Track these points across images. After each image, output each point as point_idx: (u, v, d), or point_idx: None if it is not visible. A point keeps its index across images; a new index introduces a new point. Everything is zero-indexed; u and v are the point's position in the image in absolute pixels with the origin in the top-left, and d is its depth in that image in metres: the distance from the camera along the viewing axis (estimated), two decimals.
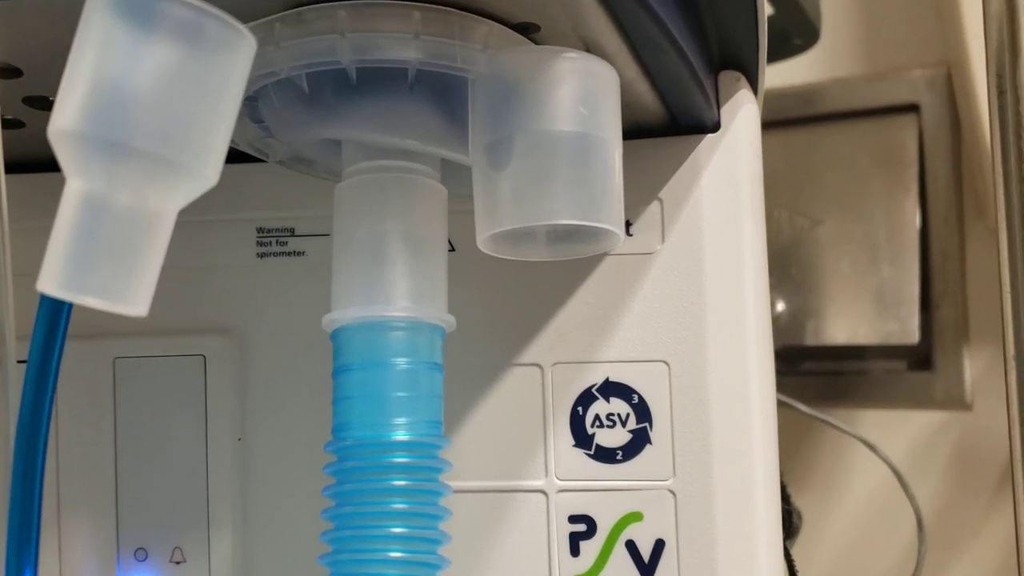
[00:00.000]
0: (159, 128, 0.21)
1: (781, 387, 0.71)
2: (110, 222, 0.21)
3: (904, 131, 0.78)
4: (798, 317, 0.80)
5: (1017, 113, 0.34)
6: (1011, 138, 0.34)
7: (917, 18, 0.80)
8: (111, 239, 0.21)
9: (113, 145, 0.21)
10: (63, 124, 0.21)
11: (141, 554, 0.39)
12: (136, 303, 0.22)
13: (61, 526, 0.39)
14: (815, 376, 0.81)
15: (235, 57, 0.22)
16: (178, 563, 0.39)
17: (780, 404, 0.69)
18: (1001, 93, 0.35)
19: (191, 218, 0.40)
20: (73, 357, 0.40)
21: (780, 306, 0.81)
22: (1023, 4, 0.35)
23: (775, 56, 0.77)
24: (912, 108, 0.78)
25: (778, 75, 0.80)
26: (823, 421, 0.72)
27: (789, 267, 0.81)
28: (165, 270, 0.40)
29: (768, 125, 0.81)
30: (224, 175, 0.39)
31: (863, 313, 0.78)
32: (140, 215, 0.21)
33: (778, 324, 0.80)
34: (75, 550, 0.39)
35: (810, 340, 0.79)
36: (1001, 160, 0.35)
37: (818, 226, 0.80)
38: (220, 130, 0.22)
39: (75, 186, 0.21)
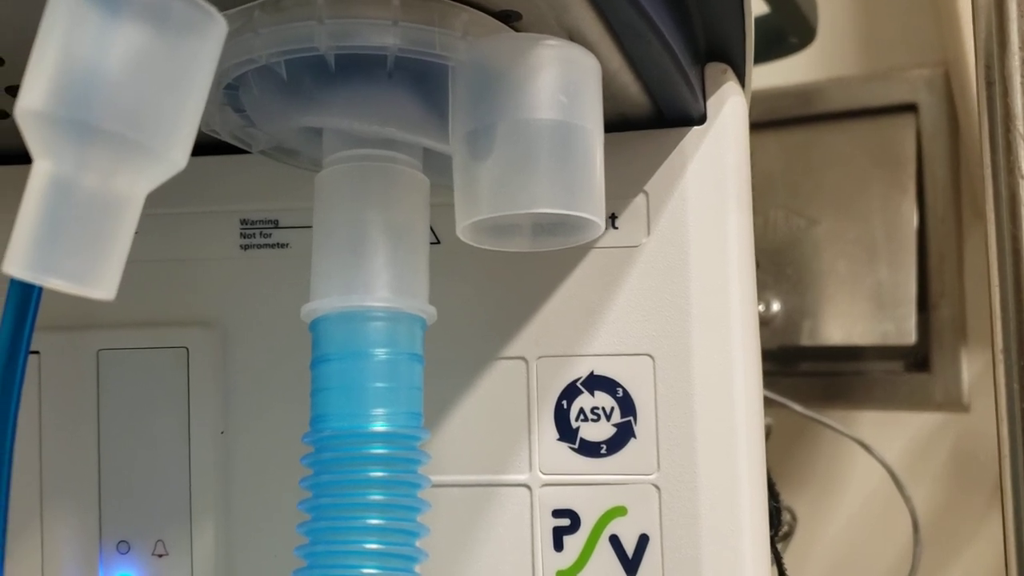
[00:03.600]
0: (127, 110, 0.21)
1: (777, 388, 0.71)
2: (77, 204, 0.21)
3: (902, 131, 0.78)
4: (794, 317, 0.80)
5: (1006, 104, 0.34)
6: (999, 129, 0.34)
7: (915, 18, 0.80)
8: (78, 221, 0.21)
9: (81, 126, 0.21)
10: (31, 104, 0.21)
11: (123, 547, 0.39)
12: (103, 287, 0.21)
13: (43, 518, 0.39)
14: (811, 377, 0.80)
15: (204, 39, 0.22)
16: (160, 556, 0.38)
17: (776, 405, 0.69)
18: (990, 84, 0.34)
19: (175, 210, 0.40)
20: (57, 349, 0.40)
21: (776, 306, 0.80)
22: None
23: (771, 55, 0.77)
24: (910, 108, 0.78)
25: (775, 74, 0.80)
26: (819, 422, 0.71)
27: (786, 267, 0.80)
28: (149, 262, 0.40)
29: (765, 125, 0.81)
30: (208, 166, 0.40)
31: (860, 313, 0.77)
32: (108, 197, 0.21)
33: (774, 324, 0.80)
34: (57, 542, 0.39)
35: (806, 340, 0.79)
36: (990, 151, 0.34)
37: (815, 226, 0.80)
38: (189, 113, 0.22)
39: (42, 167, 0.21)
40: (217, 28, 0.22)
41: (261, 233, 0.39)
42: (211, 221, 0.39)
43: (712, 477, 0.36)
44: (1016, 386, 0.34)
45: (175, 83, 0.21)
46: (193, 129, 0.22)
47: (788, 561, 0.55)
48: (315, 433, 0.30)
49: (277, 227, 0.39)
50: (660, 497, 0.36)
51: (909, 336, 0.76)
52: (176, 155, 0.22)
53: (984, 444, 0.77)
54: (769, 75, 0.80)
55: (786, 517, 0.65)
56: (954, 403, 0.76)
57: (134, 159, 0.21)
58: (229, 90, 0.32)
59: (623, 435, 0.37)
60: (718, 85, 0.37)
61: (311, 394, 0.30)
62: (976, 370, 0.76)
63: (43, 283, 0.21)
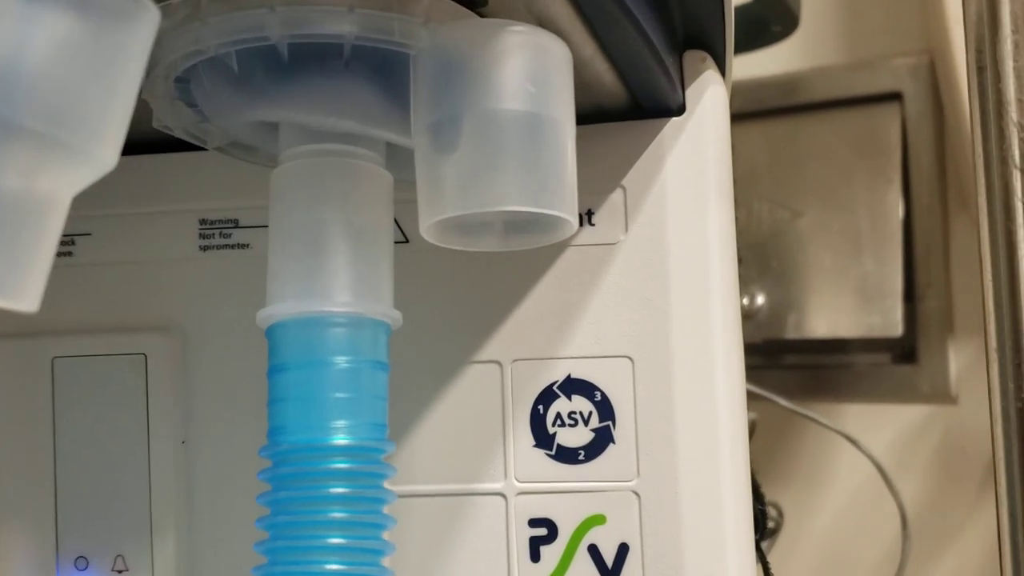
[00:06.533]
0: (48, 105, 0.19)
1: (762, 381, 0.70)
2: None
3: (887, 120, 0.77)
4: (779, 310, 0.78)
5: (998, 91, 0.32)
6: (991, 116, 0.32)
7: (899, 5, 0.79)
8: None
9: None
10: None
11: (82, 563, 0.37)
12: (25, 298, 0.20)
13: None
14: (797, 370, 0.79)
15: (133, 29, 0.20)
16: (120, 572, 0.37)
17: (761, 399, 0.68)
18: (980, 70, 0.33)
19: (130, 210, 0.39)
20: (10, 356, 0.38)
21: (761, 299, 0.79)
22: None
23: (754, 44, 0.75)
24: (895, 97, 0.77)
25: (758, 64, 0.79)
26: (805, 416, 0.71)
27: (770, 259, 0.79)
28: (104, 265, 0.38)
29: (749, 115, 0.80)
30: (164, 164, 0.38)
31: (845, 306, 0.76)
32: (29, 200, 0.19)
33: (759, 317, 0.79)
34: (13, 559, 0.37)
35: (791, 333, 0.78)
36: (981, 140, 0.33)
37: (799, 218, 0.79)
38: (118, 108, 0.20)
39: None
40: (147, 16, 0.20)
41: (221, 233, 0.38)
42: (168, 221, 0.38)
43: (694, 483, 0.35)
44: (1011, 385, 0.33)
45: (101, 76, 0.19)
46: (123, 126, 0.20)
47: (774, 558, 0.54)
48: (273, 447, 0.28)
49: (237, 227, 0.38)
50: (640, 504, 0.35)
51: (895, 328, 0.75)
52: (104, 153, 0.20)
53: (972, 436, 0.76)
54: (752, 65, 0.79)
55: (772, 513, 0.64)
56: (941, 395, 0.75)
57: (57, 158, 0.19)
58: (179, 83, 0.30)
59: (601, 440, 0.35)
60: (697, 74, 0.36)
61: (268, 405, 0.29)
62: (963, 362, 0.75)
63: None
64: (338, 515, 0.27)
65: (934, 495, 0.77)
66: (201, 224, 0.38)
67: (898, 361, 0.76)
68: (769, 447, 0.80)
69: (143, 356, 0.37)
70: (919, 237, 0.75)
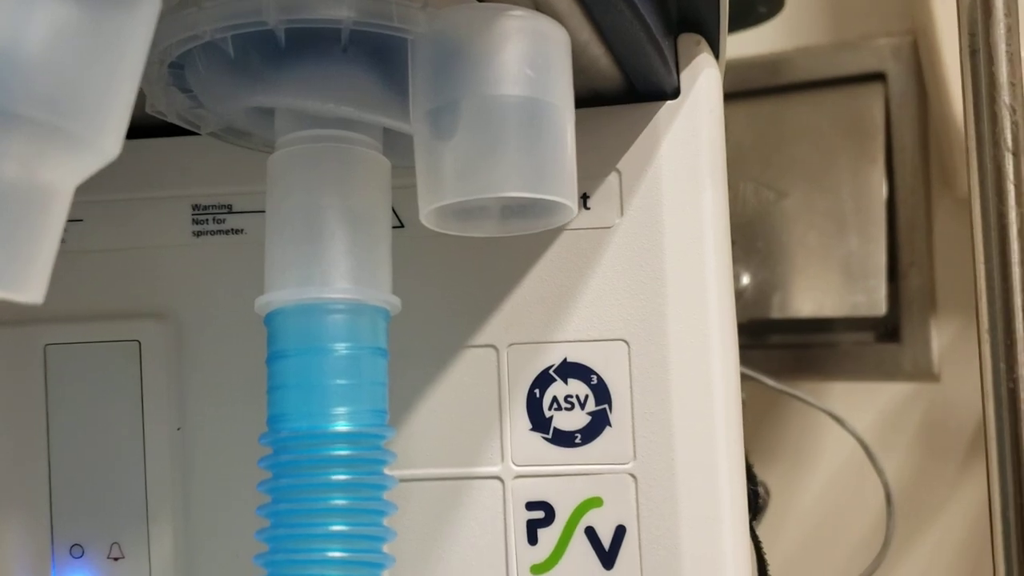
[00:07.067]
0: (47, 94, 0.19)
1: (748, 361, 0.70)
2: None
3: (870, 100, 0.77)
4: (764, 290, 0.79)
5: (990, 74, 0.32)
6: (984, 100, 0.32)
7: None
8: None
9: None
10: None
11: (77, 550, 0.37)
12: (30, 290, 0.19)
13: None
14: (782, 349, 0.80)
15: (134, 15, 0.20)
16: (116, 559, 0.37)
17: (747, 378, 0.69)
18: (973, 52, 0.33)
19: (122, 196, 0.38)
20: (1, 344, 0.38)
21: (746, 279, 0.80)
22: None
23: (739, 24, 0.75)
24: (878, 77, 0.77)
25: (743, 45, 0.78)
26: (790, 395, 0.71)
27: (755, 240, 0.79)
28: (97, 252, 0.38)
29: (733, 96, 0.80)
30: (156, 149, 0.38)
31: (830, 285, 0.77)
32: (30, 190, 0.19)
33: (744, 297, 0.79)
34: (7, 547, 0.37)
35: (776, 313, 0.78)
36: (974, 123, 0.33)
37: (784, 198, 0.79)
38: (119, 96, 0.20)
39: None
40: (148, 2, 0.20)
41: (214, 219, 0.37)
42: (161, 207, 0.37)
43: (690, 465, 0.35)
44: (1002, 365, 0.33)
45: (101, 63, 0.19)
46: (125, 114, 0.20)
47: (761, 535, 0.54)
48: (273, 434, 0.28)
49: (231, 212, 0.37)
50: (637, 487, 0.35)
51: (879, 307, 0.75)
52: (106, 142, 0.20)
53: (954, 413, 0.77)
54: (737, 45, 0.78)
55: (759, 491, 0.65)
56: (924, 373, 0.76)
57: (58, 148, 0.19)
58: (174, 69, 0.30)
59: (598, 424, 0.35)
60: (692, 57, 0.36)
61: (268, 392, 0.29)
62: (946, 339, 0.75)
63: None
64: (339, 502, 0.27)
65: (917, 471, 0.78)
66: (194, 210, 0.37)
67: (882, 339, 0.77)
68: (755, 425, 0.81)
69: (137, 343, 0.37)
70: (902, 216, 0.75)
